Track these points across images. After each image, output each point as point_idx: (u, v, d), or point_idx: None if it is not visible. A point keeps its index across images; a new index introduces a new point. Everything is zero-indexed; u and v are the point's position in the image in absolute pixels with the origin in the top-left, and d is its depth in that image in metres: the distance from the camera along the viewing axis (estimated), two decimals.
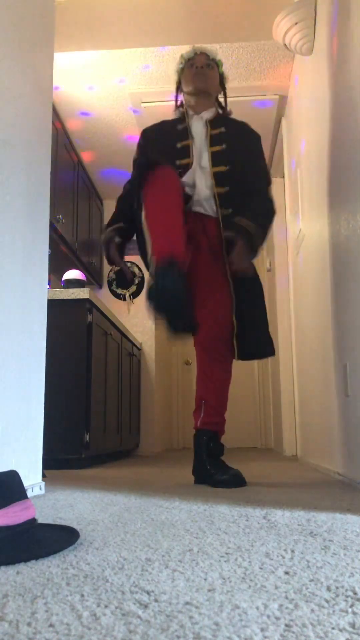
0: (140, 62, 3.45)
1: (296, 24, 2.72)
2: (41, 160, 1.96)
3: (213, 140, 2.21)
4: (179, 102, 2.37)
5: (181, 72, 2.32)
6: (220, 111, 2.35)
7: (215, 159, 2.18)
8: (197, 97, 2.28)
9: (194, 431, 2.17)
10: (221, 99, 2.39)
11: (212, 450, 2.11)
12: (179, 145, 2.22)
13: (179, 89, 2.35)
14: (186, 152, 2.20)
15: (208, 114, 2.28)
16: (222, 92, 2.37)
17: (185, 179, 2.17)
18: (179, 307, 1.76)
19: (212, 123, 2.25)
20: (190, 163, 2.18)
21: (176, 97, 2.37)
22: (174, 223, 1.90)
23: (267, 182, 2.27)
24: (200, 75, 2.24)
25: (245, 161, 2.23)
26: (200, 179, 2.18)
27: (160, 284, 1.73)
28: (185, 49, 3.32)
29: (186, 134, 2.24)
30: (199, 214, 2.18)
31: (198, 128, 2.25)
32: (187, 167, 2.18)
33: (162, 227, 1.89)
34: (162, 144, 2.26)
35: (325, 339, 2.59)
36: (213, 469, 2.04)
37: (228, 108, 2.37)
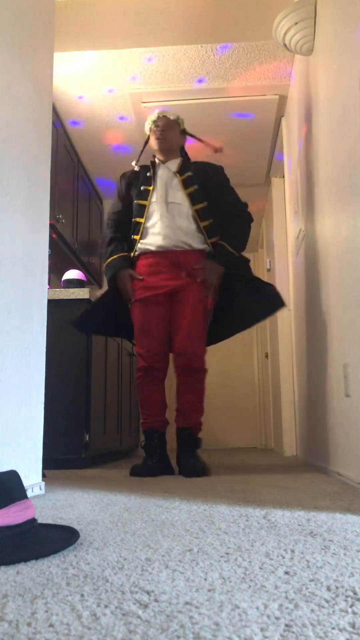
0: (139, 62, 3.45)
1: (296, 24, 2.72)
2: (41, 160, 1.96)
3: (186, 184, 2.68)
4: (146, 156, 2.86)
5: (150, 131, 2.78)
6: (183, 159, 2.80)
7: (194, 199, 2.66)
8: (161, 152, 2.77)
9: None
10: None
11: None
12: (142, 188, 2.72)
13: (146, 142, 2.85)
14: (146, 195, 2.70)
15: (174, 165, 2.75)
16: (184, 142, 2.84)
17: (150, 223, 2.66)
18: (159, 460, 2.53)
19: (180, 171, 2.72)
20: (147, 205, 2.67)
21: (143, 148, 2.86)
22: (159, 404, 2.60)
23: (242, 203, 2.79)
24: (161, 138, 2.73)
25: (218, 193, 2.74)
26: (174, 220, 2.62)
27: (147, 445, 2.55)
28: (185, 49, 3.34)
29: (150, 180, 2.71)
30: (171, 251, 2.61)
31: (164, 174, 2.72)
32: (143, 207, 2.67)
33: (149, 406, 2.59)
34: (134, 187, 2.77)
35: (325, 339, 2.59)
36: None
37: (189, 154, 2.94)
